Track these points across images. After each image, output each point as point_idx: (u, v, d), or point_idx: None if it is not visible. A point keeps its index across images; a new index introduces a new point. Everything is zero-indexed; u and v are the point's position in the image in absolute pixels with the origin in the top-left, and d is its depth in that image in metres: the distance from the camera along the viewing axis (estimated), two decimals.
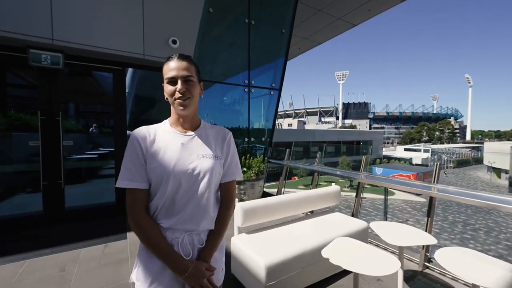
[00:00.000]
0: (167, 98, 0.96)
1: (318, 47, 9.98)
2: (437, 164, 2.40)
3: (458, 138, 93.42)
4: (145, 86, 4.75)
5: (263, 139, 5.12)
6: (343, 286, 2.06)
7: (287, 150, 4.39)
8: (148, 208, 0.93)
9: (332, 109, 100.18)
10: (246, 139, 4.88)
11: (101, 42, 3.27)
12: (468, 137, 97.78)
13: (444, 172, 40.39)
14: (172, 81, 0.91)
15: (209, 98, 4.63)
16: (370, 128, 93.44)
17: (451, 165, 48.04)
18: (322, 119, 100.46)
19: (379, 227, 2.01)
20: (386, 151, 57.98)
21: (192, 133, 0.99)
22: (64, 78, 3.48)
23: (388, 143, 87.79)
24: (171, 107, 0.97)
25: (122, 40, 3.39)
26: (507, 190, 31.17)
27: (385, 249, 2.67)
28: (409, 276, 2.24)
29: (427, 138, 78.47)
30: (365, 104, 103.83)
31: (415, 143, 67.01)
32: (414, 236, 1.88)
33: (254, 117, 5.03)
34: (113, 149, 3.87)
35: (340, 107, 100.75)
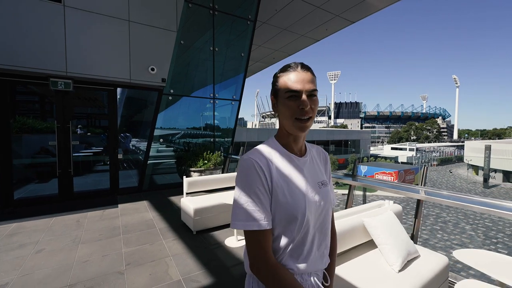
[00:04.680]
0: (277, 114, 0.81)
1: (310, 47, 11.14)
2: (425, 166, 2.55)
3: (446, 137, 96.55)
4: (133, 98, 6.27)
5: (226, 139, 6.59)
6: None
7: (241, 148, 5.85)
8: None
9: (324, 108, 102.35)
10: (211, 139, 6.34)
11: (100, 72, 4.68)
12: (455, 136, 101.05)
13: (450, 171, 42.55)
14: (295, 95, 0.74)
15: (181, 108, 6.06)
16: (361, 128, 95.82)
17: (435, 163, 50.33)
18: (315, 118, 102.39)
19: None
20: (374, 150, 60.08)
21: (306, 156, 0.86)
22: (72, 96, 4.86)
23: (378, 142, 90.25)
24: (281, 124, 0.82)
25: (115, 69, 4.81)
26: (481, 185, 33.30)
27: None
28: None
29: (415, 137, 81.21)
30: (357, 104, 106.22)
31: (403, 142, 69.37)
32: None
33: (219, 121, 6.48)
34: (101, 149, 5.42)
35: (332, 107, 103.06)
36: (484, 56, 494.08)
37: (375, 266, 1.73)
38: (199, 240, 3.12)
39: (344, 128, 79.35)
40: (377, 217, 1.92)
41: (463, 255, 1.57)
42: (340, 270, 1.66)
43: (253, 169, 0.73)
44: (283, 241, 0.76)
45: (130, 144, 6.44)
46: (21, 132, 4.67)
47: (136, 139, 6.60)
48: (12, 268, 2.46)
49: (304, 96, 0.74)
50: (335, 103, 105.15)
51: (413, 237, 2.37)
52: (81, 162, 5.30)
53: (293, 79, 0.76)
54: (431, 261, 1.81)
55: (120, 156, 5.38)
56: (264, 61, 12.94)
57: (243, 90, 6.72)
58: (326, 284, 0.87)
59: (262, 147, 0.81)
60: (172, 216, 3.88)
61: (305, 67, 0.78)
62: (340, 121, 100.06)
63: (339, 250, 1.80)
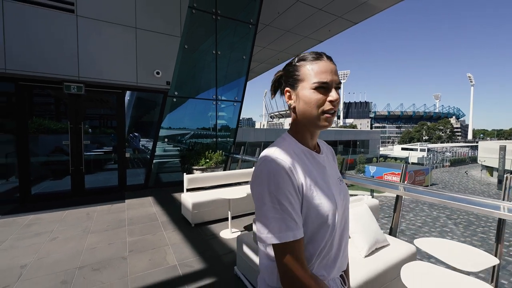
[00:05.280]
0: (293, 107, 0.74)
1: (317, 47, 10.99)
2: (406, 164, 2.77)
3: (459, 137, 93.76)
4: (143, 99, 6.61)
5: (228, 139, 6.84)
6: (238, 221, 3.75)
7: (242, 147, 6.08)
8: None
9: None
10: (214, 139, 6.61)
11: (109, 76, 5.03)
12: (470, 136, 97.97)
13: (466, 172, 41.66)
14: (324, 86, 0.69)
15: (186, 109, 6.36)
16: (371, 128, 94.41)
17: (447, 163, 49.06)
18: None
19: None
20: (384, 150, 59.12)
21: (322, 153, 0.81)
22: (84, 98, 5.23)
23: (389, 142, 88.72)
24: (299, 119, 0.75)
25: (123, 73, 5.16)
26: (496, 187, 32.25)
27: None
28: None
29: (427, 137, 79.32)
30: (366, 104, 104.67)
31: (414, 142, 67.90)
32: None
33: (221, 122, 6.75)
34: (111, 148, 5.78)
35: (341, 107, 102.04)
36: (501, 53, 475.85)
37: None
38: (196, 232, 3.37)
39: (353, 128, 78.43)
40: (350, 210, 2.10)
41: (423, 243, 1.73)
42: None
43: (281, 171, 0.65)
44: (314, 247, 0.69)
45: (140, 144, 6.80)
46: (38, 133, 5.07)
47: (146, 139, 6.94)
48: (30, 253, 2.77)
49: (333, 88, 0.70)
50: (345, 103, 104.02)
51: (392, 230, 2.53)
52: (92, 160, 5.67)
53: (320, 69, 0.70)
54: (398, 249, 1.97)
55: (127, 155, 5.72)
56: (269, 62, 13.16)
57: (245, 91, 6.94)
58: (345, 287, 0.82)
59: (282, 146, 0.72)
60: (174, 211, 4.15)
61: (329, 57, 0.73)
62: (349, 121, 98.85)
63: None
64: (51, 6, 4.44)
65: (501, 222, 1.88)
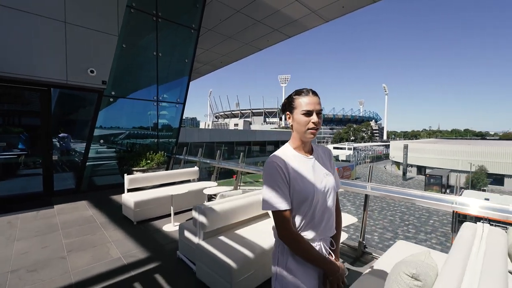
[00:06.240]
0: (291, 125, 1.13)
1: (263, 51, 11.45)
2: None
3: (377, 138, 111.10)
4: (68, 96, 6.12)
5: (170, 140, 6.93)
6: (180, 216, 4.06)
7: (185, 148, 6.29)
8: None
9: (276, 110, 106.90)
10: (155, 140, 6.62)
11: (30, 72, 4.62)
12: (385, 137, 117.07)
13: (385, 166, 48.96)
14: (308, 113, 1.06)
15: (124, 109, 6.20)
16: None
17: (368, 160, 57.81)
18: (267, 119, 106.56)
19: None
20: None
21: (312, 156, 1.16)
22: None
23: (323, 142, 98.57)
24: (294, 133, 1.14)
25: (49, 70, 4.79)
26: (401, 178, 39.78)
27: None
28: None
29: (353, 137, 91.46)
30: None
31: (343, 142, 77.44)
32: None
33: (163, 123, 6.79)
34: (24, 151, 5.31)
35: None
36: (410, 57, 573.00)
37: (262, 229, 2.50)
38: (139, 228, 3.54)
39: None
40: None
41: None
42: (241, 232, 2.38)
43: (275, 169, 1.05)
44: (300, 215, 1.08)
45: (70, 145, 6.25)
46: None
47: (73, 140, 6.41)
48: None
49: (315, 114, 1.07)
50: None
51: None
52: (5, 164, 5.05)
53: (308, 101, 1.07)
54: None
55: (55, 157, 5.28)
56: (212, 64, 13.42)
57: (187, 93, 7.14)
58: (333, 248, 1.18)
59: (280, 152, 1.12)
60: (113, 212, 4.16)
61: (314, 93, 1.10)
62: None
63: (246, 217, 2.54)
64: None
65: (366, 197, 2.76)
